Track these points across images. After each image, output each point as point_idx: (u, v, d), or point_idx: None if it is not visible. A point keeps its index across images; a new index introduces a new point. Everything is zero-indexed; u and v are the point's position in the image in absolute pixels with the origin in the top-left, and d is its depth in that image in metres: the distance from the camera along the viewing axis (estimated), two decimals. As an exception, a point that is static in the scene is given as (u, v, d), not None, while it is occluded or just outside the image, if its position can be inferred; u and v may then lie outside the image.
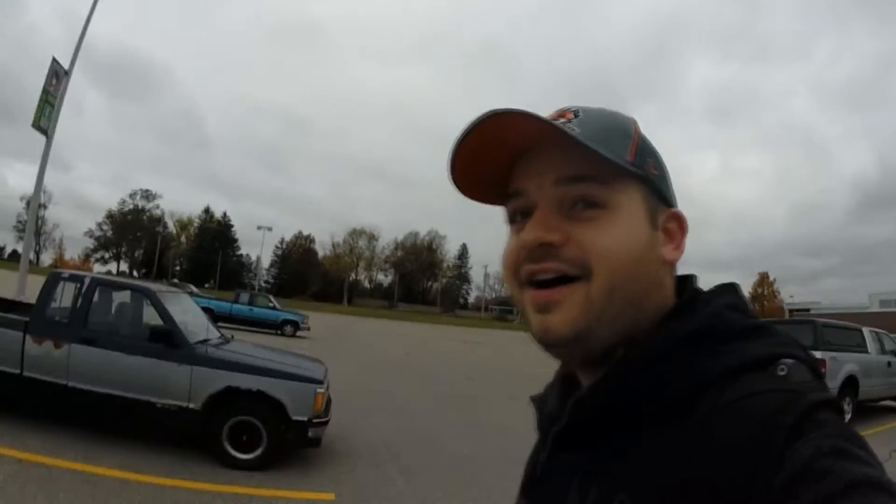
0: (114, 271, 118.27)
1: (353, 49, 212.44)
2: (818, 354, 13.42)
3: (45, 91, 22.69)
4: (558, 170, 0.83)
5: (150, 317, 7.72)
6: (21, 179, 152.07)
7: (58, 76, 23.28)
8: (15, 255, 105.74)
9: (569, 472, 0.87)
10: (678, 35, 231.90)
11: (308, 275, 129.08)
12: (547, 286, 0.82)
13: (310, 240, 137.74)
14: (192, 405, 7.07)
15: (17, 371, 7.32)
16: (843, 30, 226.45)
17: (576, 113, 0.86)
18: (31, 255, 28.09)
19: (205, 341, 7.69)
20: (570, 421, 0.85)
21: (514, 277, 0.87)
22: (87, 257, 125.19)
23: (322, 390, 7.27)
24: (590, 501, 0.81)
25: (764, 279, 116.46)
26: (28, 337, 7.39)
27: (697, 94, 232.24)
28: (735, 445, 0.67)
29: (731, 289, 0.89)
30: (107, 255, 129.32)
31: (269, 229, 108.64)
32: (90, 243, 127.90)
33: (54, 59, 23.28)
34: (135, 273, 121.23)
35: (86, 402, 7.21)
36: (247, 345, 8.74)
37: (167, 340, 7.23)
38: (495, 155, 0.86)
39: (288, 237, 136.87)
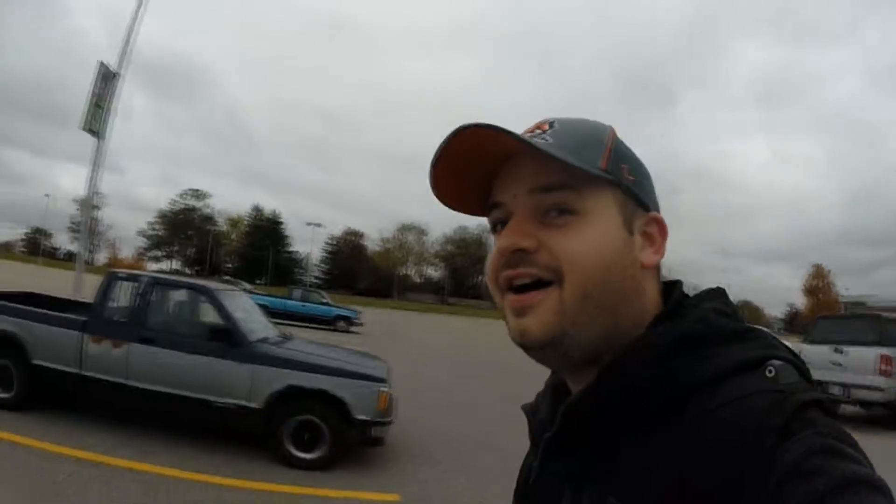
0: (166, 269, 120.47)
1: (395, 41, 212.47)
2: (883, 351, 13.05)
3: (93, 94, 23.02)
4: (531, 180, 0.85)
5: (209, 315, 7.69)
6: (73, 181, 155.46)
7: (106, 79, 23.62)
8: (70, 256, 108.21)
9: (561, 478, 0.88)
10: (724, 18, 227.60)
11: (358, 270, 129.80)
12: (524, 291, 0.84)
13: (359, 235, 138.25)
14: (253, 404, 6.98)
15: (77, 370, 7.35)
16: (894, 8, 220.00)
17: (552, 124, 0.88)
18: (86, 255, 28.63)
19: (265, 339, 7.62)
20: (561, 427, 0.85)
21: (495, 283, 0.88)
22: (140, 256, 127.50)
23: (386, 389, 7.13)
24: None
25: (819, 271, 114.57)
26: (86, 336, 7.40)
27: (746, 79, 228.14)
28: (726, 447, 0.68)
29: (718, 293, 0.90)
30: (159, 254, 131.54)
31: (319, 225, 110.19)
32: (143, 242, 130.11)
33: (102, 63, 23.62)
34: (187, 271, 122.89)
35: (145, 401, 7.20)
36: (307, 342, 8.63)
37: (227, 339, 7.17)
38: (475, 168, 0.88)
39: (337, 233, 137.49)
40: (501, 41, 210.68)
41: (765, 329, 0.82)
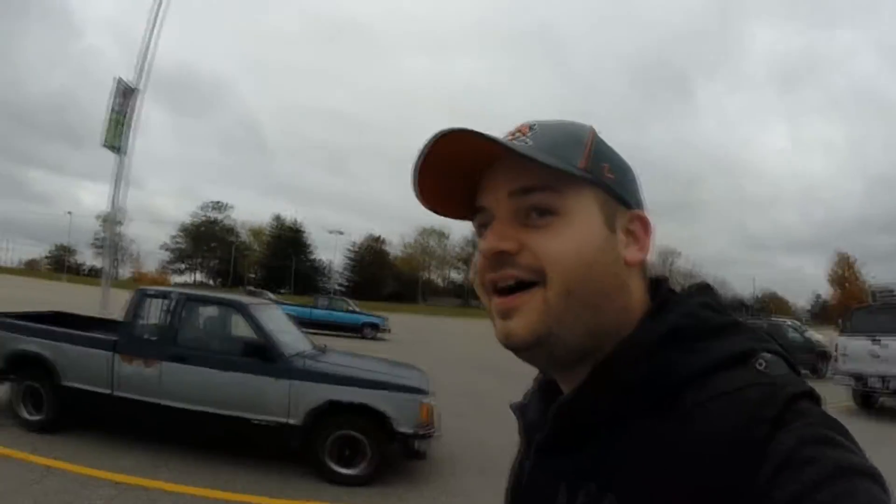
0: (190, 282, 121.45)
1: (403, 44, 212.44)
2: None
3: (112, 110, 23.38)
4: (511, 182, 0.85)
5: (243, 330, 7.56)
6: (95, 198, 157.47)
7: (124, 94, 24.02)
8: (95, 271, 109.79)
9: (555, 478, 0.88)
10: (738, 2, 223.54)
11: (381, 276, 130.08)
12: (508, 293, 0.84)
13: (381, 241, 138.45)
14: (291, 420, 6.81)
15: (108, 391, 7.27)
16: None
17: (532, 127, 0.88)
18: (111, 271, 29.11)
19: (301, 353, 7.47)
20: (555, 426, 0.86)
21: (481, 286, 0.89)
22: (163, 270, 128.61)
23: (427, 400, 6.96)
24: None
25: (844, 259, 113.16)
26: (117, 356, 7.31)
27: (762, 63, 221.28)
28: (719, 439, 0.68)
29: (704, 289, 0.91)
30: (183, 267, 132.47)
31: (340, 233, 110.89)
32: (166, 256, 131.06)
33: (120, 79, 24.08)
34: (211, 283, 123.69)
35: (180, 420, 7.10)
36: (343, 354, 8.48)
37: (263, 355, 7.02)
38: (458, 172, 0.88)
39: (359, 240, 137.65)
40: (512, 39, 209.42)
41: (757, 321, 0.77)
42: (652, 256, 0.91)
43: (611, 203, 0.87)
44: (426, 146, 0.82)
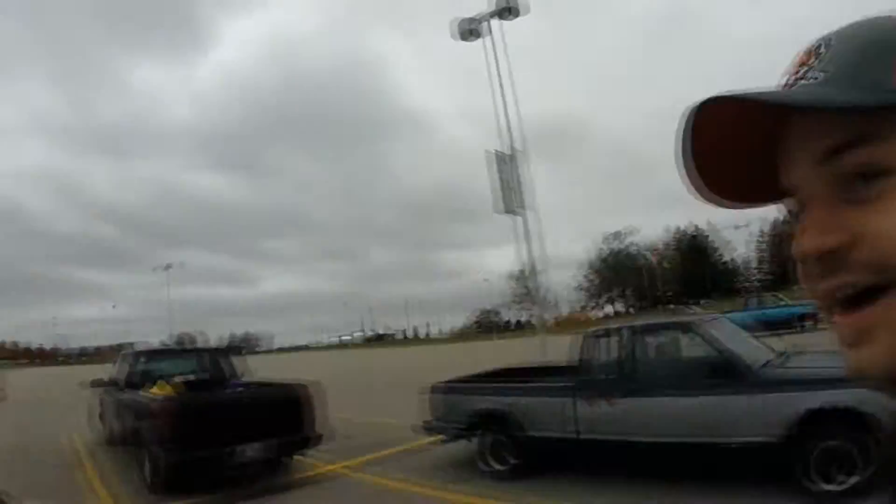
0: (611, 314, 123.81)
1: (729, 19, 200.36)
2: None
3: (501, 180, 25.77)
4: (815, 144, 0.56)
5: (697, 351, 7.31)
6: (500, 260, 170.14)
7: (503, 162, 26.48)
8: (518, 325, 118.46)
9: None
10: None
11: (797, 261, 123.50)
12: (851, 306, 0.55)
13: (788, 223, 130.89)
14: (767, 438, 6.29)
15: (574, 435, 7.47)
16: None
17: (824, 45, 0.58)
18: (540, 320, 31.64)
19: (768, 363, 7.02)
20: None
21: (813, 297, 0.59)
22: (581, 308, 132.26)
23: None
24: None
25: None
26: (578, 400, 7.50)
27: None
28: None
29: None
30: (600, 302, 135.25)
31: (746, 226, 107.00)
32: (580, 295, 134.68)
33: (497, 151, 27.08)
34: (630, 310, 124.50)
35: (650, 454, 7.08)
36: (809, 356, 7.70)
37: (727, 372, 6.69)
38: (740, 147, 0.62)
39: (766, 228, 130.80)
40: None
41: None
42: None
43: None
44: (684, 132, 0.61)
